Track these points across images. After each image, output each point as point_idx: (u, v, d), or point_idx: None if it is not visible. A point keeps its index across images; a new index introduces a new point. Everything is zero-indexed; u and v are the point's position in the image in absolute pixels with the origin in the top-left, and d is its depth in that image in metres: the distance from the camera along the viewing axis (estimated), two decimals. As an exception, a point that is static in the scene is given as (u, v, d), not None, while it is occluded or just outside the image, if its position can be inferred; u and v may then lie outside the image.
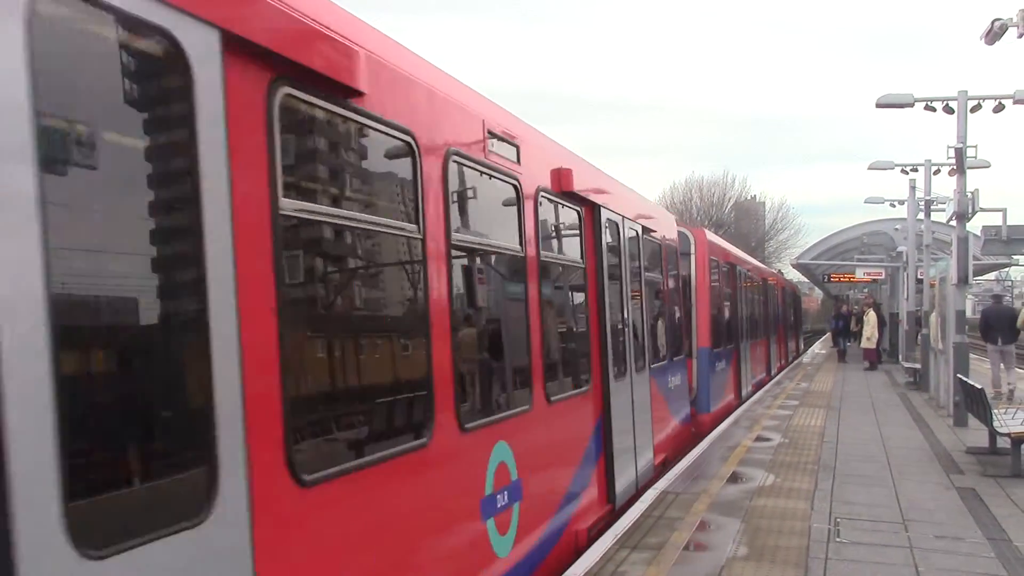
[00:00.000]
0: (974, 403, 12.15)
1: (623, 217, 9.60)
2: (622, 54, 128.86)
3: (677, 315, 13.61)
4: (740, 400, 19.77)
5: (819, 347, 48.42)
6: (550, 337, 7.34)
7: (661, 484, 10.02)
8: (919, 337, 23.61)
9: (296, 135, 3.95)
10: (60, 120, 2.74)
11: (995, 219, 21.09)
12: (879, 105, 19.05)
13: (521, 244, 6.69)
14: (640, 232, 10.46)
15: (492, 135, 6.19)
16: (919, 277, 25.52)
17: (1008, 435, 10.77)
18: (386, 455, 4.48)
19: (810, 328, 66.84)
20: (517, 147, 6.65)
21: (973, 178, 23.39)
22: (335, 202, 4.45)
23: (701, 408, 15.26)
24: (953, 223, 16.16)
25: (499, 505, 5.94)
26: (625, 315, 9.48)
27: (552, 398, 7.11)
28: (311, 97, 3.93)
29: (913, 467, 11.36)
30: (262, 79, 3.57)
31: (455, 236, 5.41)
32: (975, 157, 17.69)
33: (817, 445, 13.02)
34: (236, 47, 3.36)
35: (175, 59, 3.10)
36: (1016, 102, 17.54)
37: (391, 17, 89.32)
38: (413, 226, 4.92)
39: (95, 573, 2.64)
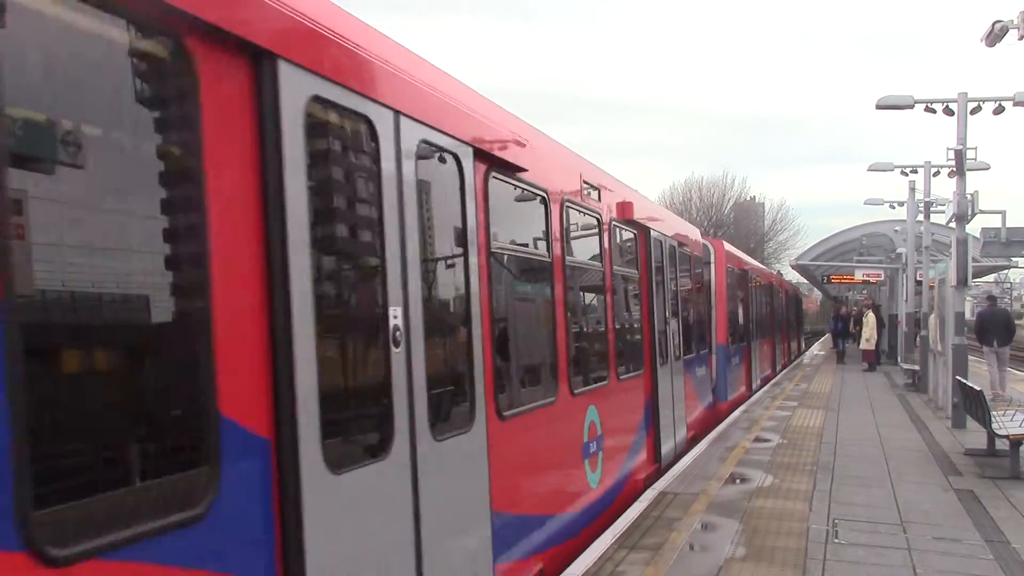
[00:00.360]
0: (973, 405, 12.16)
1: (664, 236, 11.87)
2: (622, 54, 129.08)
3: (701, 315, 15.59)
4: (751, 392, 21.46)
5: (818, 348, 48.39)
6: (620, 330, 9.62)
7: (660, 484, 10.05)
8: (918, 339, 23.63)
9: (494, 200, 6.02)
10: (419, 213, 4.92)
11: (994, 221, 21.15)
12: (879, 106, 19.07)
13: (601, 261, 8.91)
14: (676, 247, 12.73)
15: (586, 183, 8.36)
16: (918, 279, 25.54)
17: (1006, 437, 10.79)
18: (535, 406, 6.80)
19: (809, 329, 66.83)
20: (599, 189, 8.85)
21: (973, 180, 23.31)
22: (510, 241, 6.59)
23: (720, 397, 16.98)
24: (952, 225, 16.18)
25: (591, 451, 8.15)
26: (666, 315, 11.67)
27: (621, 377, 9.34)
28: (501, 175, 6.17)
29: (911, 469, 11.38)
30: (484, 169, 5.84)
31: (568, 259, 7.59)
32: (975, 159, 17.72)
33: (816, 446, 13.04)
34: (478, 153, 5.66)
35: (459, 167, 5.41)
36: (1016, 104, 17.55)
37: (388, 17, 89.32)
38: (546, 253, 7.19)
39: (441, 448, 4.86)
